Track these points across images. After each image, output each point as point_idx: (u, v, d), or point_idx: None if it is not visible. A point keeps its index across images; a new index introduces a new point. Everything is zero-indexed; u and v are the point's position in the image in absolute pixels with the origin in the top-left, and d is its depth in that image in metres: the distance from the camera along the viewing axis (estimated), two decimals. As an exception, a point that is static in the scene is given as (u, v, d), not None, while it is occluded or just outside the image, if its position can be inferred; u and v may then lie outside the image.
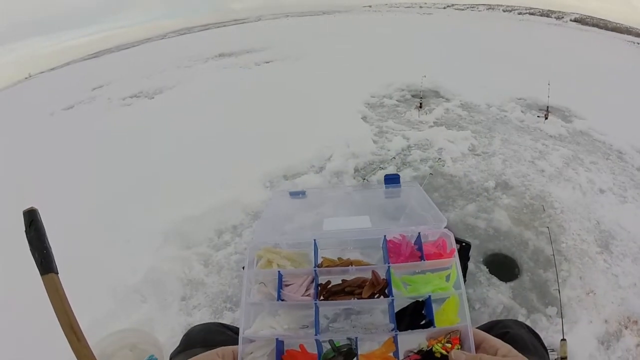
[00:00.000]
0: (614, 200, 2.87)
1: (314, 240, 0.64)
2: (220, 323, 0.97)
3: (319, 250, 0.64)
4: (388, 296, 0.56)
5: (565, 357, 1.56)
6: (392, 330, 0.54)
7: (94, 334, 1.67)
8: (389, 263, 0.59)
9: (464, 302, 0.53)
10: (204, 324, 0.97)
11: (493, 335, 0.92)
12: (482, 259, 2.33)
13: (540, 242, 2.42)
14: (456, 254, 0.58)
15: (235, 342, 0.56)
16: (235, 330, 0.96)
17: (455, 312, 0.54)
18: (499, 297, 2.05)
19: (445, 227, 0.63)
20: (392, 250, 0.62)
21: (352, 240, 0.66)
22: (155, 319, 2.03)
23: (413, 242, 0.63)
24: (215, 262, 2.44)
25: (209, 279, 2.32)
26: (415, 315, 0.55)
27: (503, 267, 2.28)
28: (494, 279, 2.17)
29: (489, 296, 2.07)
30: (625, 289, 2.09)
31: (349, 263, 0.61)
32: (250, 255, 0.63)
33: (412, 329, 0.54)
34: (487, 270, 2.24)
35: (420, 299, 0.55)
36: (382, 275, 0.59)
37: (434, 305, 0.55)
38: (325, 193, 0.84)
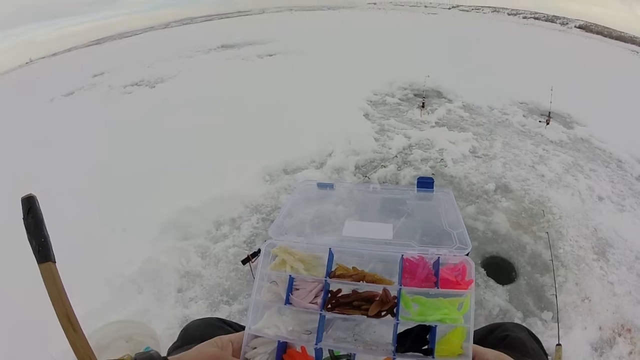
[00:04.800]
0: (612, 208, 2.88)
1: (330, 249, 0.63)
2: (219, 318, 0.96)
3: (334, 255, 0.63)
4: (395, 315, 0.56)
5: (560, 362, 1.57)
6: (391, 352, 0.54)
7: (90, 325, 1.66)
8: (401, 285, 0.58)
9: (469, 337, 0.52)
10: (202, 318, 0.96)
11: (493, 339, 0.92)
12: (479, 261, 2.33)
13: (538, 246, 2.42)
14: (473, 285, 0.56)
15: None
16: (234, 326, 0.95)
17: (460, 343, 0.53)
18: (496, 300, 2.06)
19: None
20: (407, 270, 0.60)
21: (368, 252, 0.64)
22: (152, 310, 2.02)
23: (431, 263, 0.61)
24: (213, 255, 2.43)
25: (206, 272, 2.31)
26: (418, 339, 0.54)
27: (500, 270, 2.29)
28: (491, 282, 2.18)
29: (486, 298, 2.07)
30: (620, 297, 2.10)
31: (362, 277, 0.60)
32: (266, 252, 0.63)
33: (412, 351, 0.54)
34: (484, 272, 2.24)
35: (427, 324, 0.54)
36: (394, 292, 0.58)
37: (440, 330, 0.54)
38: (353, 188, 0.81)
